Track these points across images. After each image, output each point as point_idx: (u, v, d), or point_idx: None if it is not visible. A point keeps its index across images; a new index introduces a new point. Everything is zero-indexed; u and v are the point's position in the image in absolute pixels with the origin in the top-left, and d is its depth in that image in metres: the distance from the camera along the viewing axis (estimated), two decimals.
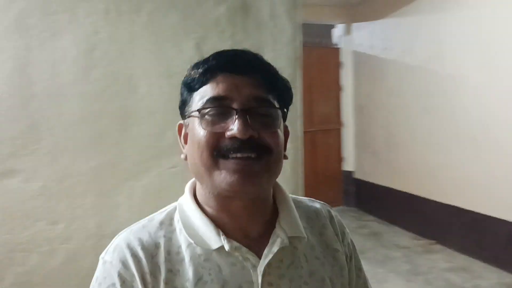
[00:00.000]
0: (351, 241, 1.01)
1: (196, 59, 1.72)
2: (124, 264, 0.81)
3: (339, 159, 7.01)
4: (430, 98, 5.41)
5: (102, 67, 1.69)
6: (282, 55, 1.81)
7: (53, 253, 1.69)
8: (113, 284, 0.80)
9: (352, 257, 1.00)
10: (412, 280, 4.30)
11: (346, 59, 6.83)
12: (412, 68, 5.70)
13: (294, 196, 0.99)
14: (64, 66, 1.67)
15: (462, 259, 4.89)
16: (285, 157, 0.88)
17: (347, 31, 7.00)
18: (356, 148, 6.89)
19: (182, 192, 1.72)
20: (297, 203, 0.98)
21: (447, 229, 5.27)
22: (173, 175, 1.74)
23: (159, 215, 0.90)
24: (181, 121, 0.90)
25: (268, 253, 0.84)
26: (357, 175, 7.08)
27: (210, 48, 1.74)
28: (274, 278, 0.84)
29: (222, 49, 1.75)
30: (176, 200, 0.93)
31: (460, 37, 4.96)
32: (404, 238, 5.51)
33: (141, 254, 0.82)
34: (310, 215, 0.98)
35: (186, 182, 1.74)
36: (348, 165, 7.08)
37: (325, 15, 7.00)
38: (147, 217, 0.89)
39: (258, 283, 0.82)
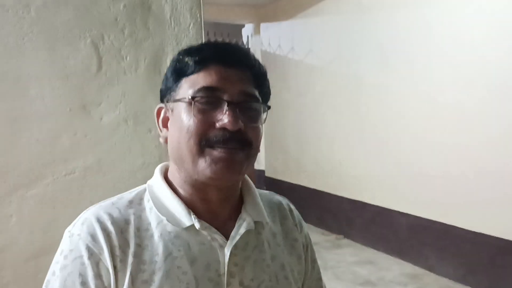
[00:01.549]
0: (307, 233, 1.09)
1: (93, 58, 1.64)
2: (93, 237, 0.83)
3: None
4: (335, 98, 5.62)
5: None
6: None
7: None
8: (80, 257, 0.82)
9: (308, 249, 1.07)
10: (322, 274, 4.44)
11: None
12: (318, 68, 5.88)
13: (256, 189, 1.03)
14: None
15: (368, 252, 5.13)
16: (259, 150, 0.93)
17: (256, 31, 7.08)
18: (266, 148, 6.99)
19: (81, 199, 1.62)
20: (260, 194, 1.03)
21: (353, 224, 5.50)
22: (70, 182, 1.63)
23: (128, 194, 0.93)
24: (161, 105, 0.93)
25: (236, 235, 0.89)
26: (268, 174, 7.18)
27: (108, 46, 1.66)
28: (240, 259, 0.89)
29: (120, 48, 1.67)
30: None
31: (359, 39, 5.19)
32: (313, 234, 5.68)
33: (111, 228, 0.84)
34: (272, 206, 1.05)
35: (85, 189, 1.64)
36: (260, 164, 7.16)
37: (234, 15, 7.03)
38: (115, 196, 0.92)
39: (224, 263, 0.87)
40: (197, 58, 0.86)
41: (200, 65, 0.85)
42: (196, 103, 0.83)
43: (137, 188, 0.95)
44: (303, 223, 1.10)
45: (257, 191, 1.01)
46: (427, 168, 4.45)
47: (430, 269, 4.52)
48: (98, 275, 0.81)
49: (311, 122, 6.07)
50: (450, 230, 4.29)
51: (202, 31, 1.79)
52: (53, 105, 1.61)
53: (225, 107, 0.83)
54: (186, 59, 0.87)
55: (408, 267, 4.65)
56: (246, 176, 0.99)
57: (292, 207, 1.10)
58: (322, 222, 5.90)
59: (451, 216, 4.28)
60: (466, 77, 4.04)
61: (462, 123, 4.10)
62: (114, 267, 0.81)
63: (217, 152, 0.82)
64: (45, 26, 1.59)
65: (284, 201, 1.10)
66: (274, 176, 7.01)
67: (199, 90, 0.84)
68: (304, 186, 6.24)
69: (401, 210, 4.80)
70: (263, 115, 0.90)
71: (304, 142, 6.27)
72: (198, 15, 1.80)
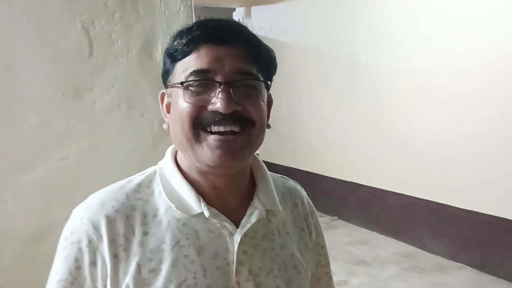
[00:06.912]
0: (317, 220, 1.08)
1: (84, 43, 1.64)
2: (94, 224, 0.82)
3: None
4: (327, 79, 5.62)
5: None
6: None
7: None
8: (79, 242, 0.82)
9: (316, 235, 1.05)
10: None
11: None
12: (310, 50, 5.87)
13: (269, 172, 1.00)
14: None
15: (362, 232, 5.18)
16: (268, 126, 0.90)
17: (247, 14, 7.03)
18: None
19: (76, 183, 1.64)
20: (273, 178, 0.99)
21: (347, 205, 5.54)
22: (65, 167, 1.64)
23: (138, 177, 0.90)
24: (164, 90, 0.91)
25: (246, 223, 0.86)
26: (262, 157, 7.19)
27: (99, 31, 1.66)
28: (249, 247, 0.87)
29: (111, 32, 1.67)
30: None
31: (351, 19, 5.18)
32: None
33: (115, 215, 0.82)
34: (284, 191, 1.01)
35: (80, 174, 1.66)
36: None
37: None
38: (125, 179, 0.90)
39: (234, 251, 0.84)
40: (186, 40, 0.82)
41: (191, 47, 0.82)
42: (188, 87, 0.81)
43: (147, 170, 0.93)
44: (314, 210, 1.08)
45: (270, 176, 0.97)
46: (420, 148, 4.49)
47: (423, 247, 4.58)
48: (93, 263, 0.81)
49: (304, 105, 6.08)
50: (443, 209, 4.34)
51: (193, 14, 1.79)
52: (46, 91, 1.61)
53: (218, 89, 0.79)
54: (177, 42, 0.84)
55: (401, 246, 4.71)
56: (259, 159, 0.97)
57: (304, 193, 1.08)
58: (316, 204, 5.81)
59: (444, 195, 4.33)
60: (458, 57, 4.06)
61: (455, 103, 4.12)
62: (115, 256, 0.80)
63: (212, 139, 0.80)
64: (35, 11, 1.58)
65: (296, 187, 1.07)
66: (269, 160, 7.02)
67: (191, 74, 0.80)
68: (298, 168, 6.26)
69: (394, 190, 4.85)
70: (264, 92, 0.87)
71: (297, 124, 6.28)
72: None
